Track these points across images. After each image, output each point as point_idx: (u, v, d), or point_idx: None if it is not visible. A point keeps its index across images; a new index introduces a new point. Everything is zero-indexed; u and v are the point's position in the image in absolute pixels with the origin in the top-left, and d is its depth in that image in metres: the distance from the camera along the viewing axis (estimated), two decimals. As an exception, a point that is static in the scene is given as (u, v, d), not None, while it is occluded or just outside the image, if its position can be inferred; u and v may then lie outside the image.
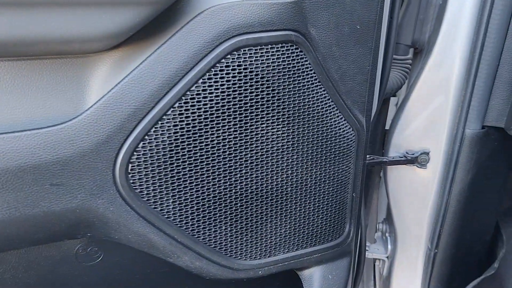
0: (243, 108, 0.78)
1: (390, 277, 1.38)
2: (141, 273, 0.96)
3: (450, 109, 1.09)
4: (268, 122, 0.81)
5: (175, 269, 0.87)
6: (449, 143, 1.11)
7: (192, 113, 0.75)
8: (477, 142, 1.05)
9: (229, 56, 0.74)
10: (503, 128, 1.04)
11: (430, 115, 1.13)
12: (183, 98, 0.73)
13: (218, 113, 0.76)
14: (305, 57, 0.80)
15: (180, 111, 0.74)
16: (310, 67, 0.81)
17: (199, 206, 0.81)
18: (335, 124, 0.87)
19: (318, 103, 0.84)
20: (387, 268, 1.38)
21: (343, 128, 0.89)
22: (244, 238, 0.88)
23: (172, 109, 0.73)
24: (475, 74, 1.00)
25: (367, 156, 1.17)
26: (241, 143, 0.80)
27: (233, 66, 0.74)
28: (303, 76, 0.81)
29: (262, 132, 0.81)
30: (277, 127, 0.82)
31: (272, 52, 0.77)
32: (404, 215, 1.27)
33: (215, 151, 0.79)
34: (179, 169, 0.77)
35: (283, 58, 0.78)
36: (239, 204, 0.85)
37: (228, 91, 0.76)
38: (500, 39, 0.96)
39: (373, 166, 1.29)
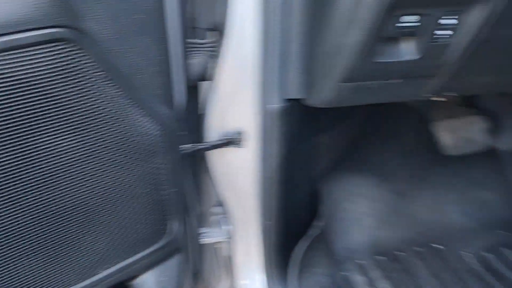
0: (12, 122, 0.66)
1: (232, 256, 1.40)
2: None
3: (251, 87, 1.11)
4: (50, 135, 0.71)
5: None
6: (257, 120, 1.14)
7: None
8: (281, 116, 1.09)
9: (-18, 65, 0.61)
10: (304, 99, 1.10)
11: (235, 95, 1.13)
12: None
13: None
14: (86, 55, 0.71)
15: None
16: (95, 64, 0.73)
17: None
18: (135, 123, 0.81)
19: (111, 103, 0.77)
20: (227, 248, 1.40)
21: (145, 125, 0.83)
22: (49, 269, 0.77)
23: None
24: (267, 51, 1.02)
25: (190, 145, 1.13)
26: (17, 162, 0.69)
27: (-11, 76, 0.62)
28: (87, 76, 0.72)
29: (46, 147, 0.71)
30: (64, 138, 0.72)
31: (41, 54, 0.66)
32: (233, 194, 1.28)
33: None
34: None
35: (58, 59, 0.68)
36: (32, 234, 0.73)
37: (-10, 106, 0.63)
38: (283, 16, 0.99)
39: (193, 155, 1.27)
